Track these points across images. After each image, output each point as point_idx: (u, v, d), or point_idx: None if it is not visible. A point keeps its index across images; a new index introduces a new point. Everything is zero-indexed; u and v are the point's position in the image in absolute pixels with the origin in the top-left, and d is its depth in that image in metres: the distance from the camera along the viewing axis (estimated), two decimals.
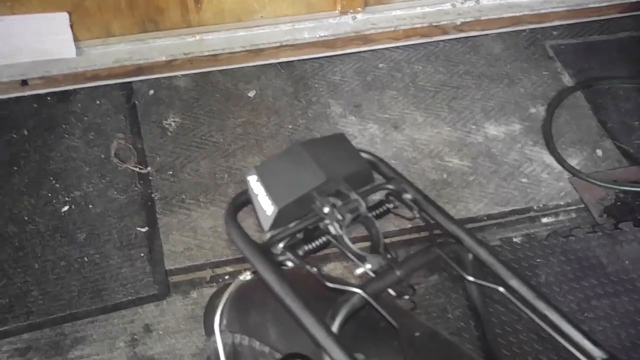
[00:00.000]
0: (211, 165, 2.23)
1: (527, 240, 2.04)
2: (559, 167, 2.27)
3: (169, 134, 2.32)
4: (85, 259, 1.96)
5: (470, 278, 0.82)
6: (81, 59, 2.35)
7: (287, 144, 2.29)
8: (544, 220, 2.13)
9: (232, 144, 2.30)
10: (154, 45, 2.41)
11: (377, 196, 0.94)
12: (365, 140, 2.32)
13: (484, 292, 0.86)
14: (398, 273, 0.80)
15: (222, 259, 1.98)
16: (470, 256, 0.83)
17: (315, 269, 0.81)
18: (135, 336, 1.81)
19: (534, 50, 2.69)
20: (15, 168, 2.19)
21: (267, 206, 0.84)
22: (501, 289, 0.78)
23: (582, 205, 2.16)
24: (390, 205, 0.92)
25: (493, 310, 1.82)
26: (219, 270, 1.97)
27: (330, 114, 2.41)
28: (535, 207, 2.15)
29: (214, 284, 1.94)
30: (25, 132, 2.29)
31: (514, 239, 2.05)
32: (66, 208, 2.09)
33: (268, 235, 0.88)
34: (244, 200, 0.90)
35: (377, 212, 0.91)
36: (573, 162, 2.29)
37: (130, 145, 2.27)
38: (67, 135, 2.29)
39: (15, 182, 2.15)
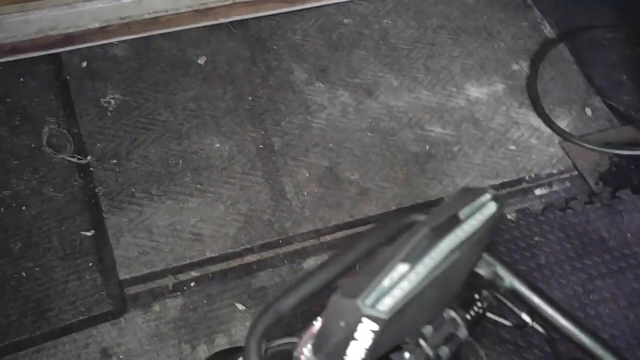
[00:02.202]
0: (162, 149, 1.93)
1: (522, 217, 1.87)
2: (548, 131, 2.09)
3: (108, 114, 1.99)
4: (23, 273, 1.66)
5: None
6: None
7: (248, 120, 2.01)
8: (538, 192, 1.96)
9: (184, 123, 2.00)
10: (83, 9, 2.05)
11: None
12: (337, 111, 2.07)
13: None
14: None
15: (185, 262, 1.73)
16: None
17: None
18: None
19: None
20: None
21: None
22: None
23: (576, 173, 1.99)
24: (484, 305, 0.68)
25: None
26: (182, 277, 1.71)
27: (295, 81, 2.13)
28: (527, 178, 1.97)
29: (179, 293, 1.68)
30: None
31: (508, 216, 1.87)
32: None
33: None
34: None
35: (470, 318, 0.67)
36: (562, 123, 2.11)
37: (65, 131, 1.94)
38: None
39: None
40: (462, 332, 0.65)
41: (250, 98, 2.08)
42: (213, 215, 1.81)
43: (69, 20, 2.05)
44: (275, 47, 2.21)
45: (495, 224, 0.61)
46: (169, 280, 1.70)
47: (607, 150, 2.01)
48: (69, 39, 2.07)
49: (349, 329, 0.52)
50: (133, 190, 1.84)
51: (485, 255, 0.69)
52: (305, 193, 1.88)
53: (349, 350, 0.54)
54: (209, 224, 1.79)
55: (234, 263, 1.74)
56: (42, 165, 1.86)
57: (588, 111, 2.15)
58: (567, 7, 2.43)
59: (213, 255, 1.74)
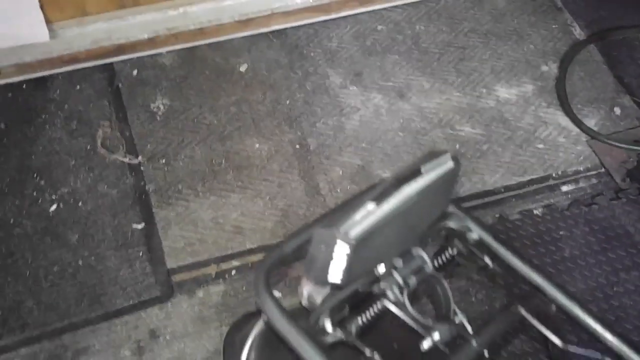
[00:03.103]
0: (206, 150, 2.08)
1: (548, 212, 1.93)
2: (575, 130, 2.14)
3: (158, 118, 2.15)
4: (80, 262, 1.83)
5: (559, 342, 0.69)
6: (55, 42, 2.15)
7: (286, 122, 2.14)
8: (564, 188, 2.01)
9: (227, 125, 2.14)
10: (133, 22, 2.22)
11: None
12: (370, 113, 2.17)
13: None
14: (475, 344, 0.67)
15: (227, 253, 1.86)
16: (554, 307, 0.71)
17: (377, 357, 0.68)
18: (140, 343, 1.70)
19: (541, 2, 2.52)
20: None
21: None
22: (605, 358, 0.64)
23: (603, 170, 2.04)
24: (453, 252, 0.79)
25: None
26: (224, 265, 1.84)
27: (330, 85, 2.25)
28: (554, 175, 2.03)
29: (221, 280, 1.82)
30: (2, 126, 2.11)
31: (535, 211, 1.94)
32: (54, 207, 1.94)
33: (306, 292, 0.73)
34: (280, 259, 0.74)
35: (439, 262, 0.78)
36: (590, 122, 2.15)
37: (118, 133, 2.11)
38: (47, 126, 2.12)
39: None
40: (428, 267, 0.75)
41: (287, 102, 2.20)
42: (253, 210, 1.94)
43: (120, 32, 2.22)
44: (312, 54, 2.34)
45: (452, 178, 0.72)
46: (212, 269, 1.83)
47: (635, 147, 2.05)
48: (120, 49, 2.24)
49: (328, 251, 0.65)
50: (180, 187, 1.98)
51: (457, 211, 0.80)
52: (339, 190, 1.99)
53: (330, 270, 0.67)
54: (249, 218, 1.92)
55: None
56: (97, 165, 2.03)
57: (617, 110, 2.19)
58: (598, 9, 2.48)
59: (253, 246, 1.87)
